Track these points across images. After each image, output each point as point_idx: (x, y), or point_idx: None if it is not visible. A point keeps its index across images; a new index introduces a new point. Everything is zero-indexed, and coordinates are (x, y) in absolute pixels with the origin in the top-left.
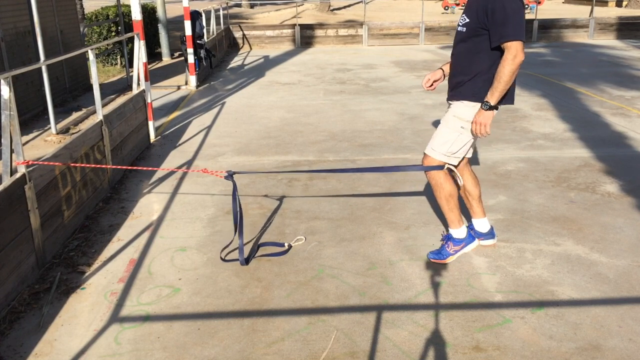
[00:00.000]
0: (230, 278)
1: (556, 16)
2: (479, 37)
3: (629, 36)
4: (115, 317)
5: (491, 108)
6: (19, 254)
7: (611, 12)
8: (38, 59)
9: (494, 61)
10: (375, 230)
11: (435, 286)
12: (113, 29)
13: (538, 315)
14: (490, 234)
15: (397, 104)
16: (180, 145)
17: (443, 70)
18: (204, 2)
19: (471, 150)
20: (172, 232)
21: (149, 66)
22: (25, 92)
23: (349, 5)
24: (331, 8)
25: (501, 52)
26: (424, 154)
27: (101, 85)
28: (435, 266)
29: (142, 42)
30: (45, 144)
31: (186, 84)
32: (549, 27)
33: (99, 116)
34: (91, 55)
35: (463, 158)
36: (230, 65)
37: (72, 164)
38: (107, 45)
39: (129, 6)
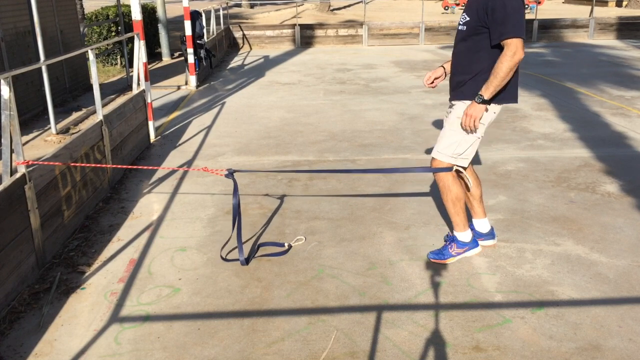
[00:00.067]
0: (230, 278)
1: (556, 16)
2: (480, 35)
3: (629, 36)
4: (115, 317)
5: (484, 102)
6: (19, 254)
7: (611, 12)
8: (38, 59)
9: (495, 60)
10: (375, 230)
11: (435, 286)
12: (113, 29)
13: (538, 315)
14: (491, 235)
15: (397, 104)
16: (180, 145)
17: (444, 68)
18: (204, 2)
19: None
20: (172, 232)
21: (149, 66)
22: (25, 92)
23: (349, 5)
24: (331, 8)
25: (501, 50)
26: (432, 157)
27: (101, 85)
28: (435, 266)
29: (142, 42)
30: (45, 144)
31: (186, 84)
32: (549, 27)
33: (99, 116)
34: (91, 55)
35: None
36: (230, 65)
37: (72, 164)
38: (107, 45)
39: (129, 6)
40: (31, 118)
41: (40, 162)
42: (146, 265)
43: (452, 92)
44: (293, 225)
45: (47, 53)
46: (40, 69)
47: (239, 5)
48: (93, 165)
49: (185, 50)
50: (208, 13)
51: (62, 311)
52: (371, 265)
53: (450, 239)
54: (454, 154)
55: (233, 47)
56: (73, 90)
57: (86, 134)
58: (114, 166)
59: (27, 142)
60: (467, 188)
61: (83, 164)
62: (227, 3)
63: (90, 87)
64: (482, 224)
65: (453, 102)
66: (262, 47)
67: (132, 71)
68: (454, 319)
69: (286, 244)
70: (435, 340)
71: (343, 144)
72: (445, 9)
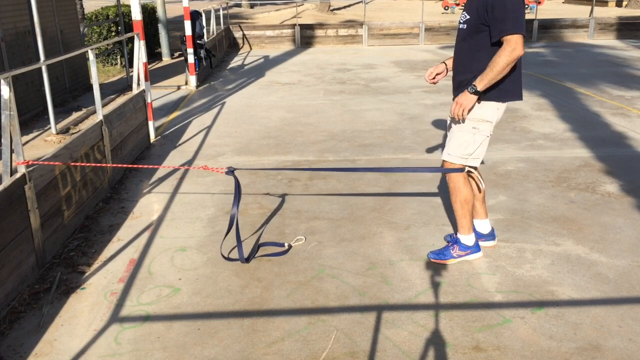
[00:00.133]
0: (230, 278)
1: (556, 16)
2: (480, 34)
3: (629, 36)
4: (115, 317)
5: (476, 93)
6: (19, 254)
7: (611, 12)
8: (38, 59)
9: None
10: (375, 230)
11: (435, 286)
12: (113, 29)
13: (538, 315)
14: (491, 236)
15: (397, 104)
16: (180, 145)
17: (446, 65)
18: (204, 2)
19: None
20: (172, 232)
21: (149, 66)
22: (25, 92)
23: (349, 5)
24: (331, 8)
25: None
26: (443, 160)
27: (101, 85)
28: (435, 266)
29: (142, 42)
30: (45, 144)
31: (186, 84)
32: (549, 27)
33: (99, 116)
34: (91, 55)
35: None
36: (230, 65)
37: (72, 164)
38: (107, 45)
39: (129, 6)
40: (31, 118)
41: (40, 162)
42: (146, 265)
43: (455, 92)
44: (293, 225)
45: (47, 53)
46: (40, 69)
47: (239, 5)
48: (93, 164)
49: (185, 50)
50: (208, 13)
51: (62, 311)
52: (371, 265)
53: (453, 241)
54: (464, 154)
55: (233, 47)
56: (73, 90)
57: (86, 134)
58: (114, 165)
59: (27, 142)
60: (478, 189)
61: (83, 164)
62: (227, 3)
63: (90, 87)
64: (483, 225)
65: None
66: (262, 47)
67: (132, 71)
68: (454, 319)
69: (286, 244)
70: (435, 340)
71: (343, 144)
72: (445, 9)
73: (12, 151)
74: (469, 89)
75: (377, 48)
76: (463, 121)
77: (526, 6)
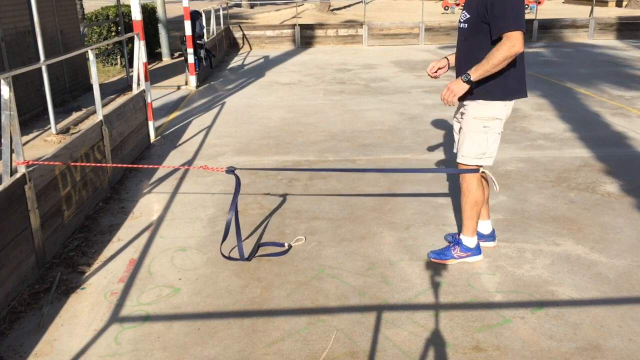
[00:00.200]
0: (230, 278)
1: (556, 16)
2: (481, 32)
3: (629, 36)
4: (115, 317)
5: (469, 82)
6: (19, 254)
7: (611, 12)
8: (38, 59)
9: None
10: (375, 230)
11: (435, 286)
12: (113, 29)
13: (538, 315)
14: (491, 236)
15: (397, 104)
16: (180, 145)
17: (448, 60)
18: (204, 2)
19: None
20: (172, 232)
21: (149, 66)
22: (25, 92)
23: (349, 5)
24: (331, 8)
25: None
26: (457, 162)
27: (101, 85)
28: (435, 266)
29: (142, 42)
30: (45, 144)
31: (186, 84)
32: (549, 27)
33: (99, 116)
34: (91, 55)
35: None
36: (230, 65)
37: (72, 164)
38: (107, 45)
39: (129, 6)
40: (31, 118)
41: (40, 162)
42: (146, 265)
43: None
44: (293, 225)
45: (47, 53)
46: (40, 69)
47: (239, 5)
48: (93, 164)
49: (185, 50)
50: (208, 13)
51: (62, 311)
52: (371, 265)
53: (455, 242)
54: (478, 154)
55: (233, 47)
56: (73, 90)
57: (86, 134)
58: (114, 165)
59: (27, 142)
60: (494, 188)
61: (83, 164)
62: (227, 3)
63: (90, 87)
64: (484, 225)
65: (464, 103)
66: (262, 47)
67: (132, 71)
68: (454, 319)
69: (286, 244)
70: (435, 340)
71: (343, 144)
72: (445, 9)
73: (12, 151)
74: (462, 77)
75: (377, 48)
76: (452, 105)
77: (526, 6)
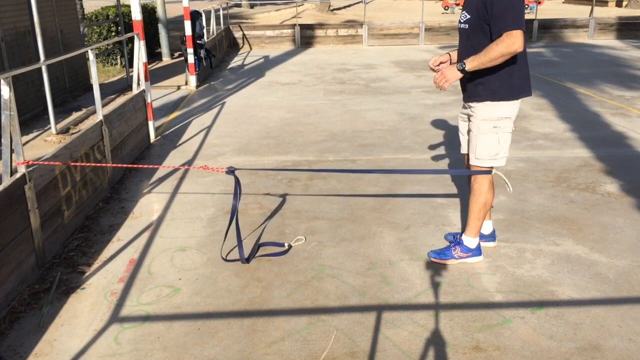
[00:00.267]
0: (230, 278)
1: (556, 16)
2: (483, 32)
3: (629, 36)
4: (115, 317)
5: (463, 71)
6: (19, 254)
7: (611, 12)
8: (38, 59)
9: None
10: (375, 230)
11: (435, 286)
12: (113, 29)
13: (538, 315)
14: (492, 237)
15: (397, 104)
16: (180, 145)
17: (450, 56)
18: (204, 2)
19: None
20: (172, 232)
21: (149, 66)
22: (25, 92)
23: (349, 5)
24: (331, 8)
25: None
26: (471, 165)
27: (101, 85)
28: (435, 266)
29: (142, 42)
30: (45, 144)
31: (186, 84)
32: (549, 27)
33: (99, 116)
34: (91, 55)
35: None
36: (230, 65)
37: (72, 164)
38: (107, 45)
39: (129, 6)
40: (31, 118)
41: (40, 162)
42: (146, 265)
43: (466, 94)
44: (293, 225)
45: (47, 53)
46: (40, 69)
47: (239, 5)
48: (93, 164)
49: (185, 50)
50: (208, 13)
51: (62, 311)
52: (371, 265)
53: (456, 242)
54: (491, 155)
55: (233, 47)
56: (73, 90)
57: (86, 134)
58: (114, 165)
59: (27, 142)
60: (507, 189)
61: (83, 164)
62: (227, 3)
63: (90, 87)
64: (485, 226)
65: (471, 105)
66: (262, 47)
67: (132, 71)
68: (454, 319)
69: (286, 244)
70: (435, 340)
71: (343, 144)
72: (445, 9)
73: (12, 151)
74: (458, 65)
75: (377, 48)
76: (443, 89)
77: (526, 6)
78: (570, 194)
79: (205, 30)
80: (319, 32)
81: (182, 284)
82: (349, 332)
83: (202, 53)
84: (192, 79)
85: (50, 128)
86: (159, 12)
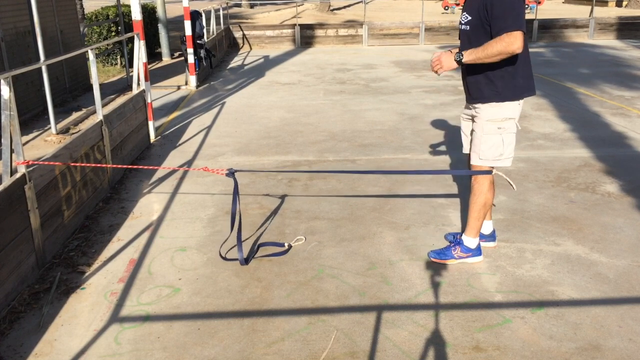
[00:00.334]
0: (230, 278)
1: (556, 16)
2: (484, 34)
3: (629, 36)
4: (115, 317)
5: (459, 62)
6: (19, 254)
7: (611, 12)
8: (38, 59)
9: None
10: (375, 230)
11: (435, 286)
12: (113, 29)
13: (538, 315)
14: (492, 237)
15: (397, 104)
16: (180, 145)
17: (452, 53)
18: (204, 2)
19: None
20: (172, 232)
21: (149, 66)
22: (25, 92)
23: (349, 5)
24: (331, 8)
25: None
26: (473, 165)
27: (101, 85)
28: (435, 266)
29: (142, 42)
30: (45, 144)
31: (186, 84)
32: (549, 27)
33: (99, 116)
34: (91, 55)
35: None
36: (230, 65)
37: (72, 164)
38: (107, 45)
39: (129, 6)
40: (31, 118)
41: (40, 162)
42: (146, 265)
43: (469, 95)
44: (293, 225)
45: (47, 53)
46: (40, 69)
47: (239, 5)
48: (93, 165)
49: (185, 50)
50: (208, 13)
51: (62, 311)
52: (371, 265)
53: (456, 242)
54: (496, 156)
55: (233, 47)
56: (73, 90)
57: (86, 134)
58: (114, 166)
59: (27, 142)
60: (512, 188)
61: (83, 164)
62: (227, 3)
63: (90, 87)
64: (485, 226)
65: (475, 106)
66: (262, 47)
67: (132, 71)
68: (454, 319)
69: (286, 244)
70: (435, 340)
71: (343, 144)
72: (445, 9)
73: (12, 151)
74: (455, 56)
75: (377, 48)
76: (438, 73)
77: (526, 6)
78: (570, 194)
79: (205, 30)
80: (319, 32)
81: (182, 284)
82: (349, 332)
83: (202, 53)
84: (192, 79)
85: (50, 128)
86: (159, 12)
